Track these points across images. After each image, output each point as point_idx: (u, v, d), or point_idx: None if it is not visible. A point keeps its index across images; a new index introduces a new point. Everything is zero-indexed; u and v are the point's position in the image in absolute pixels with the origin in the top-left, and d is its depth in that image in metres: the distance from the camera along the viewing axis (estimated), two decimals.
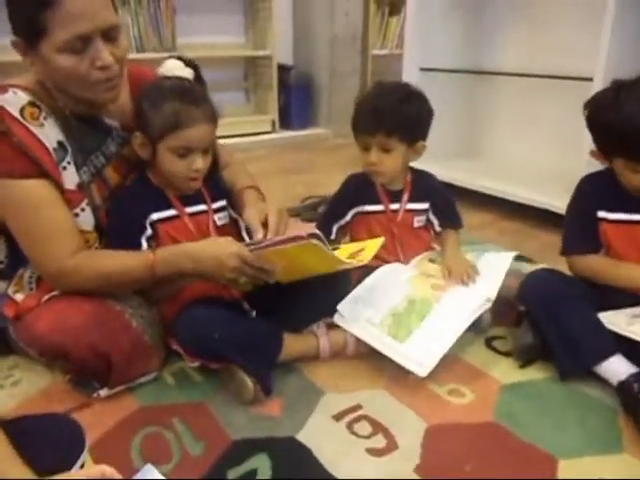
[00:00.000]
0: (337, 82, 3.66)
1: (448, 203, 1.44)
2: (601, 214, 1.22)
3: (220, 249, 1.02)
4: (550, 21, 2.27)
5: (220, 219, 1.20)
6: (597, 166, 1.86)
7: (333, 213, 1.39)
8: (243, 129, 3.39)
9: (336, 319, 1.19)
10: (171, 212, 1.14)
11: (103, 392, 1.06)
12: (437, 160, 2.50)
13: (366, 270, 1.25)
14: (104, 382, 1.05)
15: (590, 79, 1.82)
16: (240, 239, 1.17)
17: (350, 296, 1.22)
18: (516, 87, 2.45)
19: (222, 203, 1.22)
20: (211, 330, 1.03)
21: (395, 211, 1.36)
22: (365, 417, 1.03)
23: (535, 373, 1.16)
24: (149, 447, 0.95)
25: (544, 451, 0.95)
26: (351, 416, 1.03)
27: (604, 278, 1.20)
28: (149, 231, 1.11)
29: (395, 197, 1.37)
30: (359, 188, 1.37)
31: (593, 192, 1.25)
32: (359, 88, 3.83)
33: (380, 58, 4.02)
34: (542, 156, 2.37)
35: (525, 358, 1.19)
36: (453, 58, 2.47)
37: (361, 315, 1.18)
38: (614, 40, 1.76)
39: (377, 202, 1.36)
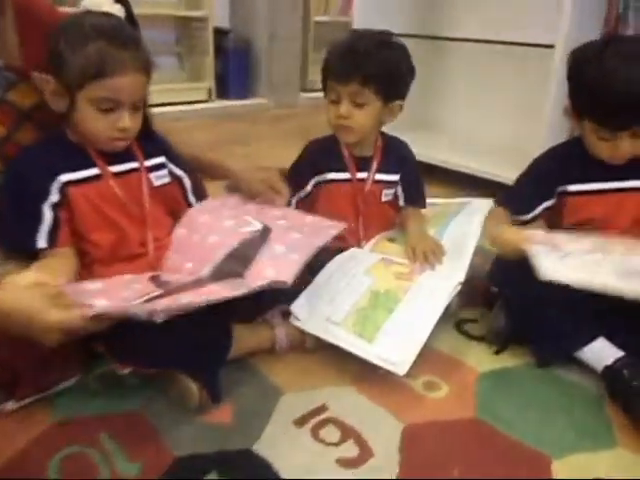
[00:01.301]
0: (277, 47, 3.44)
1: (415, 177, 1.31)
2: (570, 188, 1.13)
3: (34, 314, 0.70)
4: None
5: (158, 178, 1.01)
6: (556, 136, 1.83)
7: (292, 184, 1.22)
8: (176, 97, 3.12)
9: (292, 322, 1.02)
10: (90, 172, 0.93)
11: (10, 405, 0.85)
12: (390, 130, 2.39)
13: (322, 256, 1.11)
14: (10, 393, 0.85)
15: (551, 46, 1.74)
16: (184, 202, 1.06)
17: (304, 293, 1.05)
18: (473, 54, 2.33)
19: (159, 159, 1.02)
20: (146, 342, 0.82)
21: (362, 180, 1.22)
22: (332, 420, 0.89)
23: (511, 359, 1.06)
24: (70, 471, 0.77)
25: (535, 450, 0.84)
26: (316, 420, 0.88)
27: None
28: (54, 197, 0.89)
29: (363, 165, 1.22)
30: (322, 154, 1.22)
31: (556, 166, 1.16)
32: (300, 56, 3.64)
33: (323, 25, 3.84)
34: (499, 126, 2.28)
35: (500, 343, 1.09)
36: (406, 23, 2.32)
37: (320, 314, 1.02)
38: (576, 6, 1.68)
39: (342, 169, 1.21)
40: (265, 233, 0.99)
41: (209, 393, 0.88)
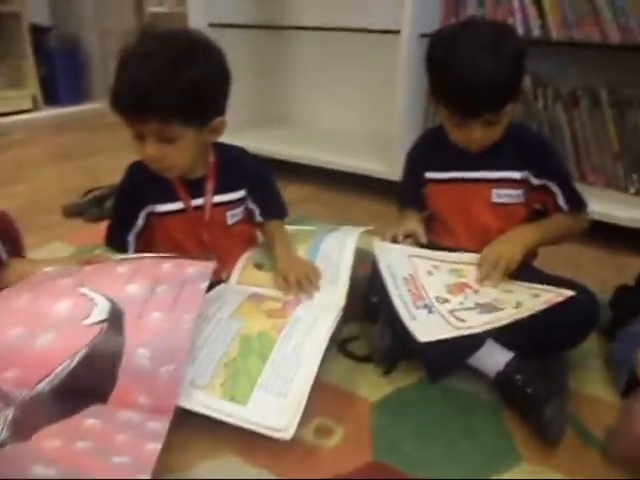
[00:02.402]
0: (110, 44, 3.09)
1: (268, 185, 1.15)
2: (428, 175, 1.13)
3: None
4: None
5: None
6: (410, 124, 1.80)
7: (121, 218, 1.03)
8: None
9: None
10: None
11: None
12: (237, 130, 2.20)
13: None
14: None
15: (397, 32, 1.69)
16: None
17: None
18: (321, 43, 2.25)
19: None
20: None
21: (199, 208, 1.03)
22: None
23: (403, 378, 0.98)
24: None
25: None
26: None
27: None
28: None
29: (196, 190, 1.03)
30: (148, 180, 1.00)
31: (421, 153, 1.16)
32: None
33: (159, 16, 3.53)
34: (353, 117, 2.23)
35: (387, 362, 1.00)
36: (248, 11, 2.18)
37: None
38: None
39: (174, 199, 1.01)
40: (116, 321, 0.77)
41: None
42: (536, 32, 1.68)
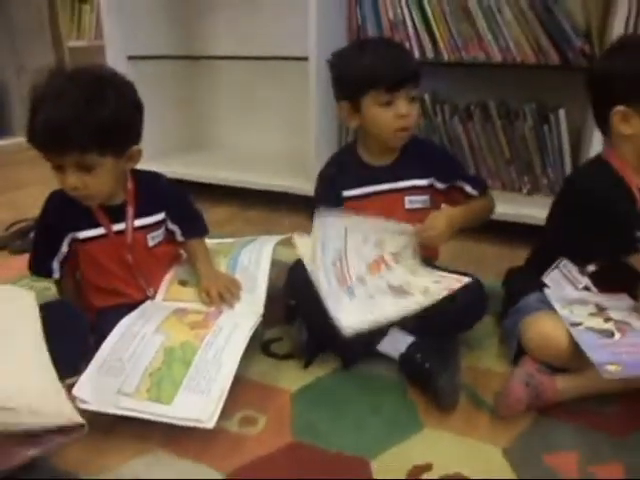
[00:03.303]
0: (27, 80, 3.08)
1: (185, 206, 1.21)
2: (345, 193, 1.19)
3: None
4: (261, 2, 2.22)
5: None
6: (324, 143, 1.93)
7: (44, 245, 1.07)
8: None
9: (79, 406, 0.85)
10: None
11: None
12: (163, 157, 2.28)
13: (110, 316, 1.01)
14: None
15: (305, 58, 1.83)
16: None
17: (89, 369, 0.91)
18: (237, 71, 2.37)
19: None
20: None
21: (121, 232, 1.08)
22: None
23: (321, 369, 1.08)
24: None
25: (354, 456, 0.86)
26: None
27: None
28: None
29: (116, 215, 1.08)
30: (66, 209, 1.05)
31: (335, 173, 1.22)
32: None
33: (79, 51, 3.54)
34: (272, 139, 2.35)
35: (307, 356, 1.09)
36: (165, 43, 2.26)
37: (109, 388, 0.88)
38: (321, 19, 1.79)
39: (95, 225, 1.06)
40: None
41: None
42: (430, 55, 1.86)
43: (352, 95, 1.13)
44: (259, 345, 1.14)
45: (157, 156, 2.29)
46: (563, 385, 0.94)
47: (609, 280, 1.03)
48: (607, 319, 0.97)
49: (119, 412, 0.87)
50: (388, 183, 1.18)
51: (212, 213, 2.05)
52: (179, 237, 1.18)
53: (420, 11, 1.83)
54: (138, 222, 1.10)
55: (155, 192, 1.14)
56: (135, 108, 1.03)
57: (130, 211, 1.09)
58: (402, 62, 1.12)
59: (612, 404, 0.95)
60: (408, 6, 1.84)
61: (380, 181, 1.18)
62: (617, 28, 1.50)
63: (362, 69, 1.10)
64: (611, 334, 0.94)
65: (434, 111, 1.90)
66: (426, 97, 1.90)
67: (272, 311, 1.18)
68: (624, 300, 1.03)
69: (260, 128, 2.37)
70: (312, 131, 1.89)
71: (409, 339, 1.04)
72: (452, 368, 0.99)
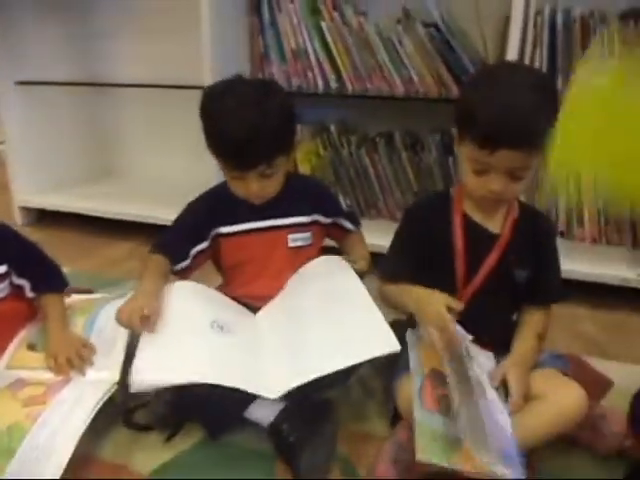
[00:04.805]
0: None
1: (34, 259, 1.09)
2: (221, 230, 1.13)
3: None
4: (158, 30, 2.11)
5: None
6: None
7: None
8: None
9: None
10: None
11: None
12: (60, 189, 2.14)
13: None
14: None
15: (202, 87, 1.73)
16: None
17: None
18: (141, 99, 2.26)
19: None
20: None
21: None
22: None
23: (185, 441, 0.97)
24: None
25: None
26: None
27: None
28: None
29: None
30: None
31: (207, 209, 1.15)
32: None
33: None
34: (178, 168, 2.24)
35: (169, 428, 0.99)
36: (62, 70, 2.11)
37: None
38: (216, 49, 1.71)
39: None
40: None
41: None
42: (333, 85, 1.81)
43: None
44: (121, 414, 1.03)
45: (54, 187, 2.15)
46: None
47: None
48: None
49: None
50: (270, 220, 1.12)
51: (110, 249, 1.93)
52: (29, 292, 1.06)
53: (321, 41, 1.78)
54: None
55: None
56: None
57: None
58: (251, 142, 1.00)
59: None
60: (310, 35, 1.79)
61: (260, 218, 1.12)
62: (511, 58, 1.49)
63: (211, 134, 1.08)
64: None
65: (340, 142, 1.84)
66: (332, 128, 1.85)
67: None
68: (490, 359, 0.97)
69: (167, 157, 2.27)
70: (212, 161, 1.79)
71: (279, 406, 0.95)
72: (323, 439, 0.90)
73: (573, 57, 1.57)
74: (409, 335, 0.96)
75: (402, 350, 1.01)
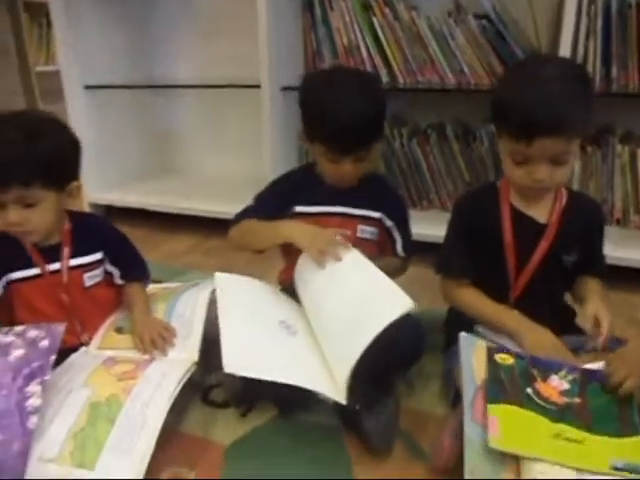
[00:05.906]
0: None
1: (124, 249, 1.19)
2: (297, 209, 1.19)
3: None
4: (216, 31, 2.21)
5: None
6: (282, 167, 1.91)
7: None
8: None
9: None
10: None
11: None
12: (125, 186, 2.27)
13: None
14: None
15: (258, 86, 1.81)
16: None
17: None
18: (196, 99, 2.37)
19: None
20: None
21: (56, 272, 1.08)
22: None
23: (259, 417, 1.05)
24: None
25: None
26: None
27: None
28: None
29: (51, 255, 1.08)
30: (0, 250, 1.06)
31: (289, 187, 1.22)
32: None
33: (47, 75, 3.51)
34: (234, 166, 2.34)
35: (244, 405, 1.07)
36: (124, 73, 2.24)
37: (31, 455, 0.84)
38: (272, 48, 1.78)
39: (29, 265, 1.06)
40: None
41: None
42: (385, 79, 1.85)
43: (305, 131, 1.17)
44: (199, 392, 1.12)
45: (117, 185, 2.28)
46: None
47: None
48: None
49: None
50: (343, 207, 1.18)
51: (171, 244, 2.03)
52: (117, 280, 1.17)
53: (373, 36, 1.82)
54: (74, 261, 1.10)
55: (92, 232, 1.14)
56: (73, 143, 1.06)
57: (66, 251, 1.09)
58: (357, 127, 1.06)
59: None
60: (361, 32, 1.83)
61: (335, 203, 1.17)
62: (564, 48, 1.49)
63: (318, 120, 1.12)
64: None
65: (392, 135, 1.88)
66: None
67: (213, 356, 1.16)
68: None
69: (222, 155, 2.37)
70: (267, 159, 1.88)
71: None
72: (385, 410, 0.96)
73: (628, 45, 1.55)
74: (463, 339, 0.94)
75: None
